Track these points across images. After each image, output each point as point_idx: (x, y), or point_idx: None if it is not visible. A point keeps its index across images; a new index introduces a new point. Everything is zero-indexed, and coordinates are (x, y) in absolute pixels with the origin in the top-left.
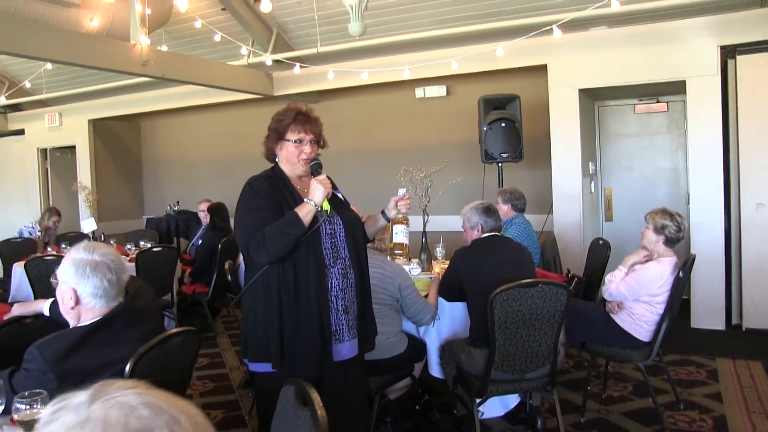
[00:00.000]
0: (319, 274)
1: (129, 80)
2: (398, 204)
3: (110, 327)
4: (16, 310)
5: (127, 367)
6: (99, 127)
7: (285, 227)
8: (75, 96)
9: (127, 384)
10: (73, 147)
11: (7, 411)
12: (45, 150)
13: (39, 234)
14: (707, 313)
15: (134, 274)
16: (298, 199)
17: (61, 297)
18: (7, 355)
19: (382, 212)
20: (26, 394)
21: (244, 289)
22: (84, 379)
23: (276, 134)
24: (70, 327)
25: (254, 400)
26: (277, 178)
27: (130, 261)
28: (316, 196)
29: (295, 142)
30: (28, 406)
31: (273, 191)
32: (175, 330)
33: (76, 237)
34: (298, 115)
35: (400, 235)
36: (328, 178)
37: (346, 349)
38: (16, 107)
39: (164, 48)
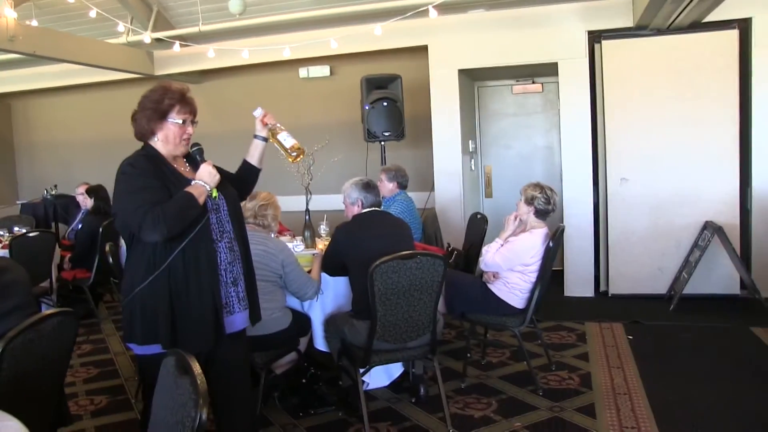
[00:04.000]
0: (208, 249)
1: None
2: (265, 120)
3: None
4: None
5: None
6: None
7: (184, 206)
8: None
9: None
10: None
11: None
12: None
13: None
14: (578, 282)
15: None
16: (182, 179)
17: None
18: None
19: (255, 136)
20: None
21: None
22: None
23: (157, 114)
24: None
25: (140, 383)
26: (154, 157)
27: (3, 248)
28: (206, 179)
29: (182, 123)
30: None
31: (156, 170)
32: (49, 311)
33: None
34: (183, 97)
35: (289, 139)
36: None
37: (238, 320)
38: None
39: (34, 23)
